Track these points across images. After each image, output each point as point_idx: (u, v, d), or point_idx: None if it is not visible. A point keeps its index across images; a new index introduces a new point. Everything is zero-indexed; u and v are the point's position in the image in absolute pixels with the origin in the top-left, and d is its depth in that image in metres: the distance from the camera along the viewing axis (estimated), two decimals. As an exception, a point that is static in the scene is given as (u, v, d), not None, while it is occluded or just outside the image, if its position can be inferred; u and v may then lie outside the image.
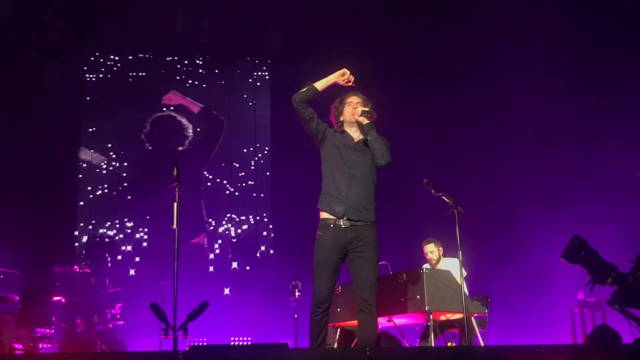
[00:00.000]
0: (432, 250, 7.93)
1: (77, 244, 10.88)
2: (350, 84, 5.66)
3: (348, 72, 5.64)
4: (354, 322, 5.95)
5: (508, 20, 10.71)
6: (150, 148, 11.50)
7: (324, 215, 5.52)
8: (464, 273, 7.52)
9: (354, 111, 5.65)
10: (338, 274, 5.48)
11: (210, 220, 11.48)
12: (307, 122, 5.60)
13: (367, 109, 5.65)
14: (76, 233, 10.98)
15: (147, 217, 11.17)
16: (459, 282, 6.36)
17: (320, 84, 5.61)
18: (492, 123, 10.73)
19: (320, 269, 5.41)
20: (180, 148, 11.61)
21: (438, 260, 7.88)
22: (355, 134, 5.71)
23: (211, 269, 11.33)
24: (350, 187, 5.48)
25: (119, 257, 10.93)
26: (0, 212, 9.70)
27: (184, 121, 11.68)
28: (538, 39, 10.73)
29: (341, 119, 5.76)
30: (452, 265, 7.19)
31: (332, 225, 5.44)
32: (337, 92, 5.81)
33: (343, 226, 5.42)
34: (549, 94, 10.70)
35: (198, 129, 11.66)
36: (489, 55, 10.81)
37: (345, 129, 5.74)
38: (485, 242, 10.01)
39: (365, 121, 5.61)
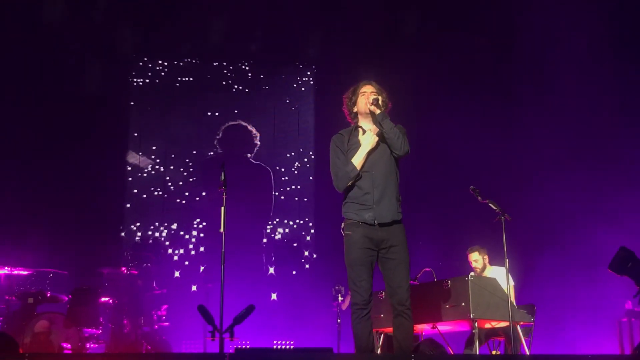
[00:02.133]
0: (476, 259, 7.89)
1: (124, 246, 11.05)
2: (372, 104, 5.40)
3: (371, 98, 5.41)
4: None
5: (549, 19, 10.56)
6: (221, 153, 11.70)
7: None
8: (512, 282, 7.46)
9: (367, 101, 5.44)
10: (373, 273, 5.32)
11: (262, 225, 11.60)
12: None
13: (377, 96, 5.42)
14: (123, 235, 11.15)
15: (194, 220, 11.31)
16: (505, 291, 6.30)
17: (358, 159, 5.37)
18: (540, 126, 10.60)
19: (358, 269, 5.24)
20: (249, 155, 11.78)
21: (483, 269, 7.84)
22: (371, 127, 5.48)
23: (255, 272, 11.41)
24: (375, 189, 5.30)
25: (165, 260, 11.05)
26: (51, 214, 9.92)
27: (254, 131, 11.82)
28: (581, 38, 10.56)
29: (355, 109, 5.55)
30: (499, 274, 7.13)
31: (361, 223, 5.28)
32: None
33: (378, 226, 5.28)
34: (593, 94, 10.50)
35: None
36: (527, 53, 10.71)
37: (359, 121, 5.54)
38: (531, 249, 9.91)
39: (377, 111, 5.36)
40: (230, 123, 11.84)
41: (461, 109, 10.80)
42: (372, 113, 5.43)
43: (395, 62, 10.91)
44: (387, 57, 11.06)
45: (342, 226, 5.43)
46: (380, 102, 5.39)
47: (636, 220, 9.47)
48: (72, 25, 10.91)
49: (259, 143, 11.83)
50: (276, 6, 11.22)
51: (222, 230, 5.83)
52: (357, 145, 5.41)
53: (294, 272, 11.51)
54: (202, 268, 10.95)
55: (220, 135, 11.76)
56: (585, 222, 9.98)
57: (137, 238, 11.15)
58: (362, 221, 5.29)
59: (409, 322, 5.27)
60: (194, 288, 10.69)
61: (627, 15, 10.37)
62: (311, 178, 11.87)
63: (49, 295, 8.48)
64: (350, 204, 5.38)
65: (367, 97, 5.45)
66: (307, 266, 11.55)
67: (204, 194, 11.42)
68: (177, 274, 11.04)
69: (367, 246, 5.27)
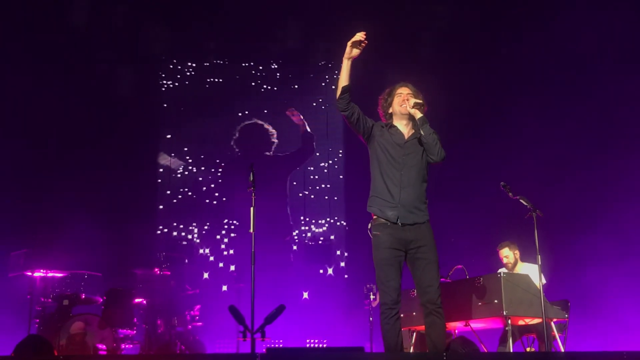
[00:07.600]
0: (507, 254, 7.78)
1: (157, 247, 11.12)
2: (363, 43, 5.35)
3: (357, 36, 5.34)
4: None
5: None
6: (239, 154, 11.70)
7: (376, 216, 5.37)
8: (544, 281, 7.37)
9: (403, 103, 5.43)
10: (402, 273, 5.31)
11: (292, 224, 11.61)
12: (355, 124, 5.44)
13: (419, 100, 5.43)
14: (156, 236, 11.24)
15: (226, 221, 11.36)
16: (538, 287, 6.23)
17: (343, 73, 5.40)
18: (574, 120, 10.43)
19: (386, 269, 5.23)
20: (268, 153, 11.79)
21: (515, 265, 7.73)
22: (405, 129, 5.49)
23: (286, 272, 11.43)
24: (402, 189, 5.30)
25: (198, 260, 11.11)
26: (84, 216, 10.03)
27: (270, 128, 11.85)
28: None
29: (390, 111, 5.55)
30: (531, 271, 7.04)
31: (389, 224, 5.28)
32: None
33: (400, 225, 5.27)
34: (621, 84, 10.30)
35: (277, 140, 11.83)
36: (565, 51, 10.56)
37: (394, 122, 5.53)
38: (563, 245, 9.77)
39: (418, 114, 5.36)
40: (246, 122, 11.86)
41: (488, 104, 10.72)
42: (410, 116, 5.43)
43: (425, 61, 10.86)
44: (417, 56, 11.02)
45: (369, 226, 5.44)
46: (420, 105, 5.40)
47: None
48: (101, 29, 11.02)
49: (276, 141, 11.84)
50: (303, 4, 11.20)
51: (251, 230, 5.86)
52: (390, 141, 5.41)
53: (325, 271, 11.50)
54: (232, 267, 10.99)
55: (237, 135, 11.79)
56: (619, 213, 9.82)
57: (170, 239, 11.23)
58: (385, 218, 5.29)
59: (441, 321, 5.27)
60: (224, 288, 10.72)
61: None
62: (341, 177, 11.86)
63: (83, 297, 8.61)
64: (375, 199, 5.40)
65: (403, 99, 5.46)
66: (342, 264, 11.53)
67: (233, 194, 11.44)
68: (205, 275, 11.09)
69: (395, 246, 5.26)
